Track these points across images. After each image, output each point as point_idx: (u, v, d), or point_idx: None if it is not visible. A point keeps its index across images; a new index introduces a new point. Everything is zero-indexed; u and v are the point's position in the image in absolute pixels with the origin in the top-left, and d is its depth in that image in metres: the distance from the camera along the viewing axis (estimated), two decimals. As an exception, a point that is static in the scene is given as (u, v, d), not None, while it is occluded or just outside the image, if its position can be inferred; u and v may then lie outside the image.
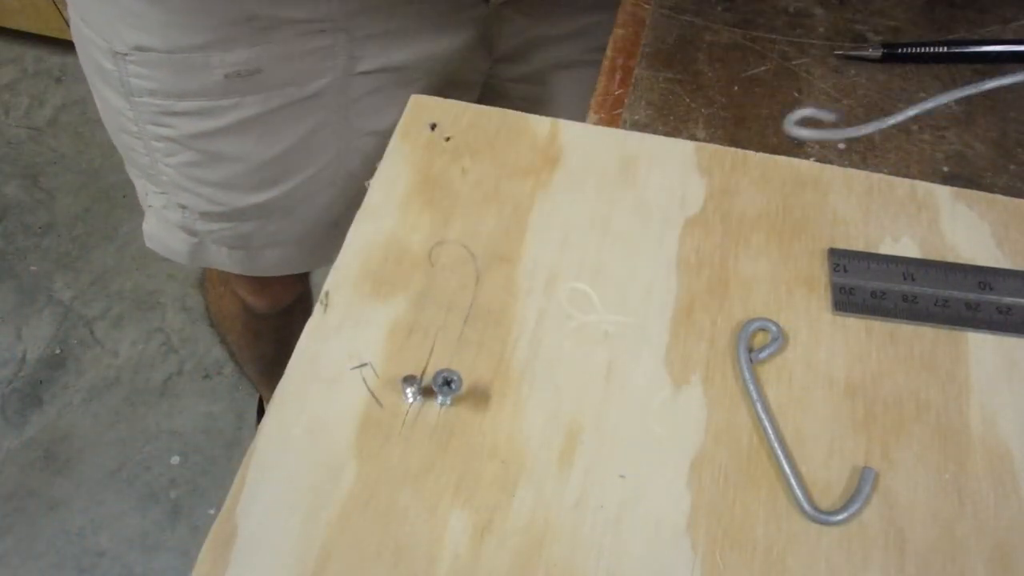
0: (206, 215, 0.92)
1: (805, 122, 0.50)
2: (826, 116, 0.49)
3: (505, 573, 0.41)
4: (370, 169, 0.90)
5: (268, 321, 1.30)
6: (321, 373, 0.46)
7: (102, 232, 1.88)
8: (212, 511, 1.62)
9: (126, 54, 0.79)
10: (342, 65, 0.81)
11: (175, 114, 0.82)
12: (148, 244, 1.01)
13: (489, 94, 0.97)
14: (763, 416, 0.45)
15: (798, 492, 0.43)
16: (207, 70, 0.78)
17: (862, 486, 0.44)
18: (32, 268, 1.92)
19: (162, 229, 0.98)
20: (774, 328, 0.49)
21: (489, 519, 0.42)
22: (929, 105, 0.57)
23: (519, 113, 0.58)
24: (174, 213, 0.95)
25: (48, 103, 2.18)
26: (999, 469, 0.45)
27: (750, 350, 0.48)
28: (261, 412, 1.71)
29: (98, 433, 1.71)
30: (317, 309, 0.48)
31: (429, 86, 0.86)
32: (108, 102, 0.86)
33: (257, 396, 1.74)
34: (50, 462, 1.68)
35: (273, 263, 0.99)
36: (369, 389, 0.46)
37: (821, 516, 0.43)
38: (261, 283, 1.18)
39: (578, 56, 0.92)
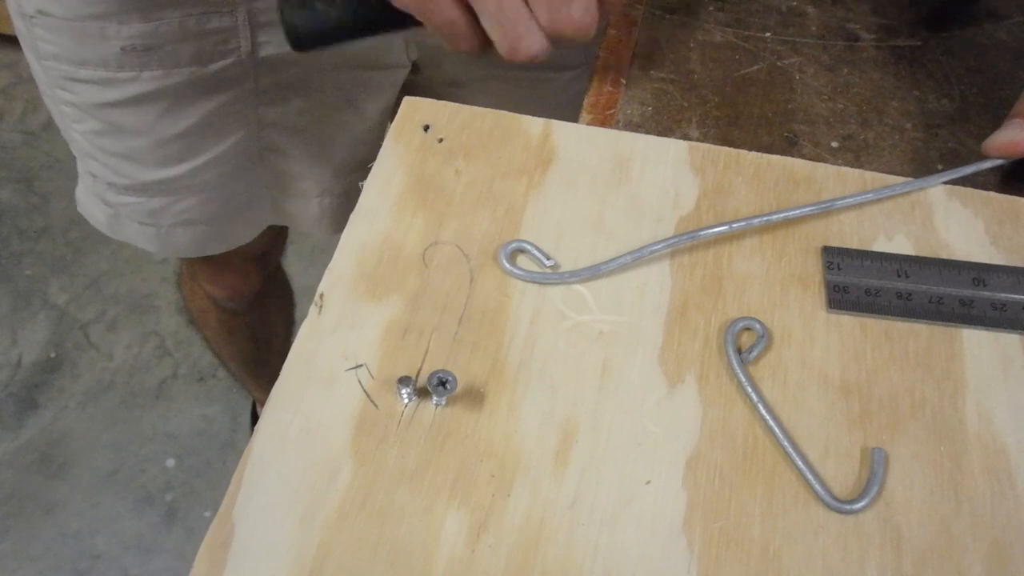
0: (113, 186, 0.93)
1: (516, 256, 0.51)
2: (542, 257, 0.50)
3: (501, 573, 0.40)
4: (285, 155, 0.91)
5: (240, 318, 1.31)
6: (316, 374, 0.46)
7: (96, 236, 1.86)
8: (207, 513, 1.62)
9: (32, 16, 0.79)
10: (245, 49, 0.81)
11: (77, 81, 0.83)
12: (78, 210, 1.02)
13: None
14: (767, 416, 0.45)
15: (816, 485, 0.43)
16: (104, 40, 0.78)
17: (875, 468, 0.44)
18: (27, 272, 1.92)
19: (85, 196, 0.99)
20: (758, 326, 0.48)
21: (485, 519, 0.42)
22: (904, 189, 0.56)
23: (512, 114, 0.58)
24: (88, 180, 0.96)
25: (43, 108, 2.17)
26: (995, 466, 0.45)
27: (739, 351, 0.48)
28: (255, 417, 1.71)
29: (93, 436, 1.71)
30: (312, 311, 0.48)
31: (343, 82, 0.87)
32: (30, 64, 0.88)
33: (251, 399, 1.74)
34: (46, 465, 1.67)
35: (184, 243, 0.99)
36: (364, 390, 0.46)
37: (844, 506, 0.43)
38: (216, 271, 1.18)
39: (490, 71, 0.92)
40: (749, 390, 0.46)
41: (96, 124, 0.87)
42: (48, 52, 0.82)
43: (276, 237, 1.17)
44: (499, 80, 0.92)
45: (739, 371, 0.46)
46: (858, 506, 0.43)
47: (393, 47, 0.86)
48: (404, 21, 0.63)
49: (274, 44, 0.81)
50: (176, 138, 0.86)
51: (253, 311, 1.28)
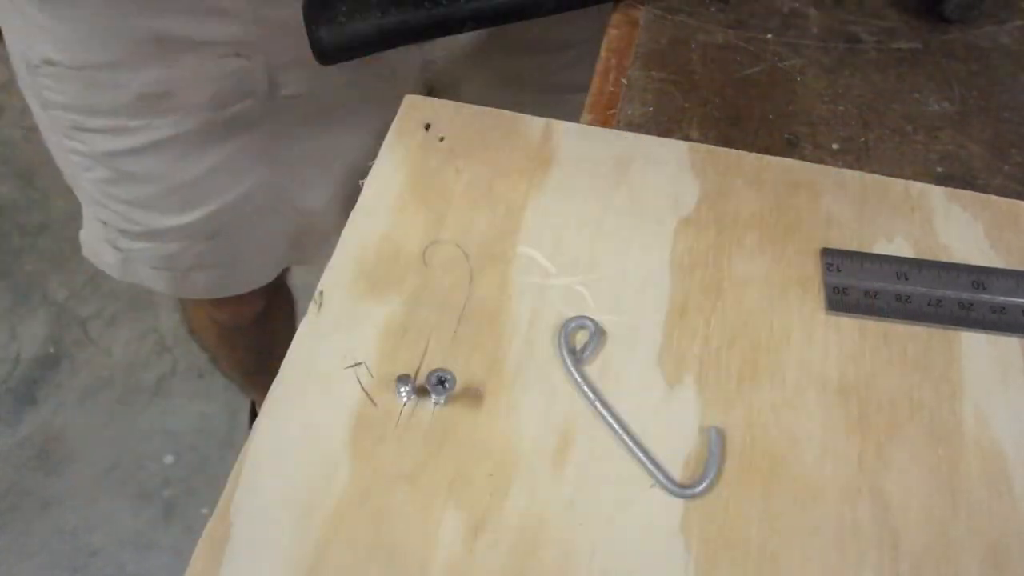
0: (125, 232, 0.90)
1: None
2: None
3: (498, 573, 0.40)
4: (321, 194, 0.89)
5: (242, 332, 1.28)
6: (315, 372, 0.46)
7: (96, 231, 1.86)
8: (205, 511, 1.62)
9: (38, 66, 0.76)
10: (263, 90, 0.78)
11: (86, 130, 0.80)
12: (84, 253, 0.99)
13: None
14: (603, 412, 0.45)
15: (655, 472, 0.43)
16: (116, 89, 0.75)
17: (713, 449, 0.44)
18: (27, 268, 1.91)
19: (93, 240, 0.96)
20: (591, 324, 0.48)
21: (482, 519, 0.42)
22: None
23: (513, 113, 0.58)
24: (97, 227, 0.93)
25: (42, 102, 2.17)
26: (992, 469, 0.45)
27: (573, 352, 0.47)
28: (253, 415, 1.71)
29: (92, 432, 1.71)
30: (311, 309, 0.48)
31: (361, 113, 0.84)
32: (33, 110, 0.84)
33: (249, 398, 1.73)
34: (44, 461, 1.67)
35: (202, 286, 0.96)
36: (363, 388, 0.46)
37: (685, 491, 0.43)
38: (217, 298, 1.14)
39: (508, 96, 0.91)
40: (585, 388, 0.46)
41: (106, 172, 0.84)
42: (55, 102, 0.79)
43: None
44: (518, 105, 0.92)
45: (575, 373, 0.46)
46: (698, 489, 0.43)
47: (410, 73, 0.85)
48: (423, 34, 0.63)
49: (293, 84, 0.79)
50: (191, 184, 0.84)
51: (256, 326, 1.25)
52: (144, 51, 0.73)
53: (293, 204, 0.91)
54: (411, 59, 0.83)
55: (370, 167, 0.55)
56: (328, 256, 0.99)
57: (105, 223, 0.91)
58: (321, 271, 0.50)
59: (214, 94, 0.77)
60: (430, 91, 0.88)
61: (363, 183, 0.54)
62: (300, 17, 0.72)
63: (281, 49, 0.76)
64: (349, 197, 0.91)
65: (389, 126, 0.87)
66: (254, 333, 1.28)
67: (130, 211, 0.87)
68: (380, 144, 0.88)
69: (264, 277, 1.01)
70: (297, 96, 0.80)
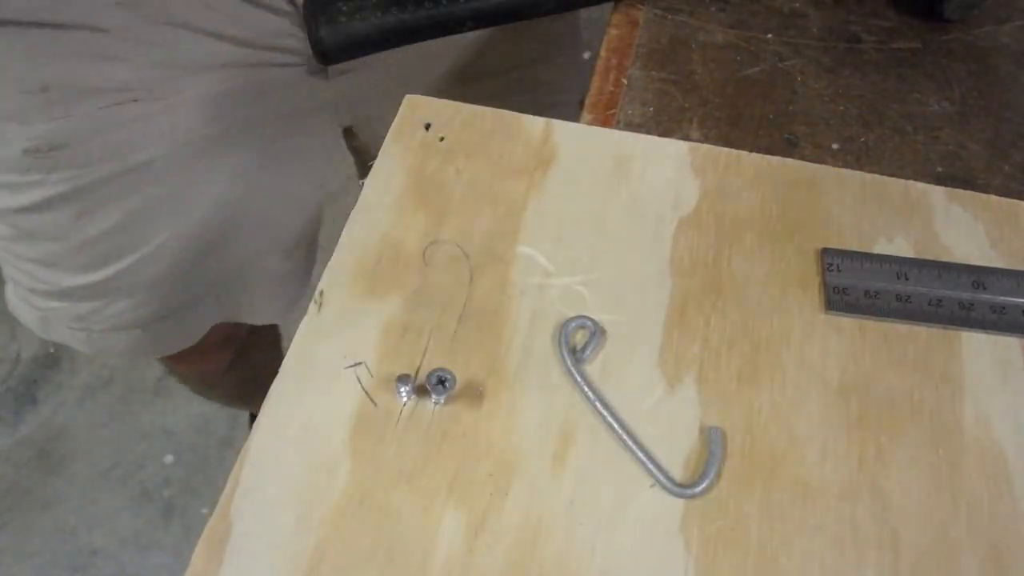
0: (35, 291, 0.85)
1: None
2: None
3: (498, 572, 0.40)
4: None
5: (219, 378, 1.22)
6: (315, 372, 0.46)
7: (96, 231, 1.86)
8: (205, 510, 1.62)
9: None
10: (168, 135, 0.73)
11: None
12: (8, 308, 0.92)
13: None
14: (604, 412, 0.45)
15: (655, 472, 0.43)
16: (4, 143, 0.70)
17: (713, 448, 0.44)
18: (26, 267, 1.91)
19: (12, 297, 0.91)
20: (591, 324, 0.48)
21: (482, 518, 0.42)
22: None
23: (513, 113, 0.57)
24: (11, 284, 0.88)
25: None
26: (993, 470, 0.45)
27: (573, 352, 0.47)
28: (253, 415, 1.70)
29: (92, 432, 1.71)
30: (311, 308, 0.48)
31: (274, 155, 0.80)
32: None
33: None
34: (44, 461, 1.67)
35: (120, 348, 0.90)
36: (363, 388, 0.46)
37: (685, 491, 0.43)
38: (177, 356, 1.04)
39: None
40: (585, 388, 0.46)
41: (6, 230, 0.78)
42: None
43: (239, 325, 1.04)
44: None
45: (574, 372, 0.46)
46: (698, 489, 0.43)
47: (320, 112, 0.81)
48: (423, 34, 0.63)
49: (200, 125, 0.73)
50: (97, 240, 0.78)
51: (233, 368, 1.17)
52: (31, 102, 0.68)
53: (217, 256, 0.85)
54: (323, 96, 0.79)
55: (370, 166, 0.55)
56: (264, 311, 0.93)
57: (16, 281, 0.87)
58: (319, 267, 0.50)
59: (114, 144, 0.72)
60: (347, 129, 0.85)
61: (363, 183, 0.54)
62: (197, 56, 0.69)
63: (182, 89, 0.72)
64: (271, 241, 0.85)
65: (302, 161, 0.83)
66: (231, 379, 1.22)
67: (36, 269, 0.82)
68: (294, 181, 0.84)
69: (189, 338, 0.94)
70: (206, 138, 0.75)
